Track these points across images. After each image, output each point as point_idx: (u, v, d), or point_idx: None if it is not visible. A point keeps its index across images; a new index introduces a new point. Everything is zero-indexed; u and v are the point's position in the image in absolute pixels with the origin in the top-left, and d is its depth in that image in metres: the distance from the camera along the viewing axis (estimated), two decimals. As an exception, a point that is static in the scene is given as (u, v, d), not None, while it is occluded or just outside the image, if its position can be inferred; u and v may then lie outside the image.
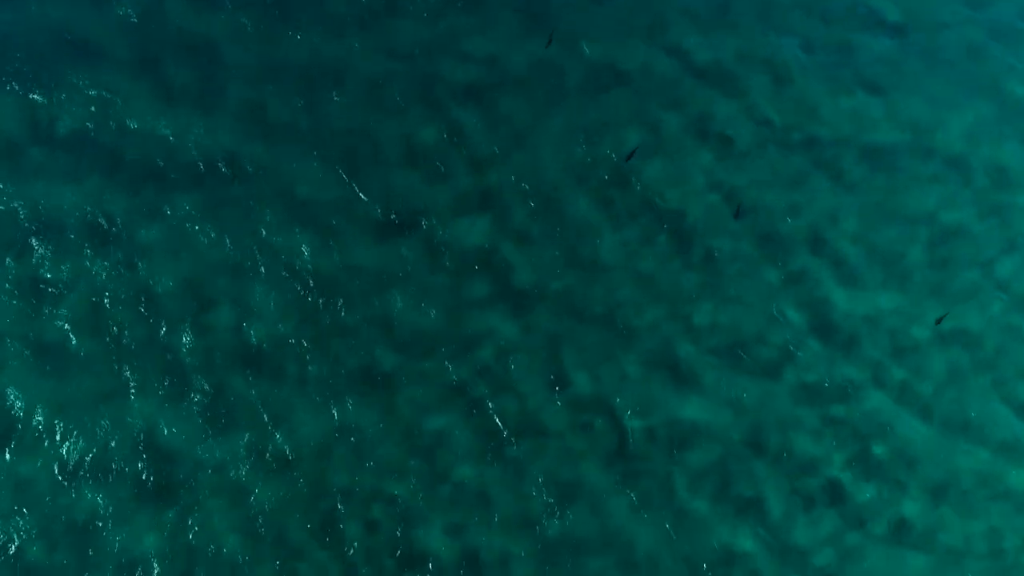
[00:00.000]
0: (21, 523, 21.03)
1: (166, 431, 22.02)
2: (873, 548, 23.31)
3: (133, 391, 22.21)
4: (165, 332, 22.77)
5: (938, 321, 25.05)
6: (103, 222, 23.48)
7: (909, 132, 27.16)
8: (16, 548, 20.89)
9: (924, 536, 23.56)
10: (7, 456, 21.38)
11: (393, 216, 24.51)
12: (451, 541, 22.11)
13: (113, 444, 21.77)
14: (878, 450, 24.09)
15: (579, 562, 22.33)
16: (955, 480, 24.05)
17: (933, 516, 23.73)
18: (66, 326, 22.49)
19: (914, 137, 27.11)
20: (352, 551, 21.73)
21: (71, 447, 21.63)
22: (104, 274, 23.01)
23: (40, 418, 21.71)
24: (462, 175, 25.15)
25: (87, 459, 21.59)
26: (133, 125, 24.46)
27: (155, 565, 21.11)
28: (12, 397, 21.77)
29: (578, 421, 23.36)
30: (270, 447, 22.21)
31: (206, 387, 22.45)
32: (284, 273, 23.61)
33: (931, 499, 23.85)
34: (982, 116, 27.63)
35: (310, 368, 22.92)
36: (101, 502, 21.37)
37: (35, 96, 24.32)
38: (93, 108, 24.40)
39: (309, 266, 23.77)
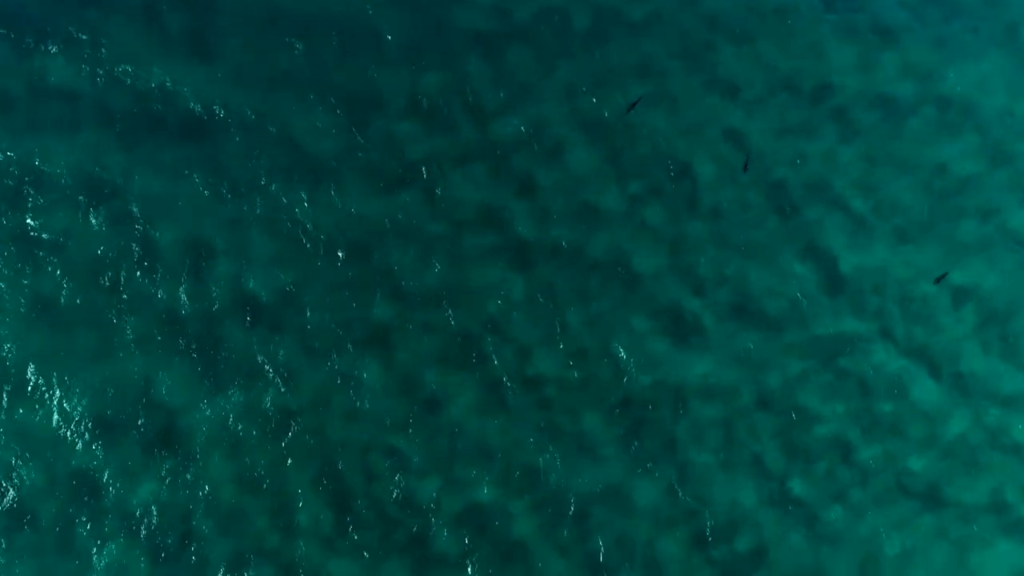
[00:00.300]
0: (22, 473, 21.11)
1: (166, 381, 21.98)
2: (878, 503, 23.28)
3: (132, 342, 22.13)
4: (164, 283, 22.62)
5: (937, 280, 24.71)
6: (100, 172, 23.24)
7: (923, 81, 26.59)
8: (16, 498, 20.99)
9: (930, 490, 23.51)
10: (6, 407, 21.39)
11: (396, 166, 24.21)
12: (452, 492, 22.13)
13: (112, 395, 21.74)
14: (884, 404, 23.94)
15: (582, 513, 22.35)
16: (962, 435, 23.92)
17: (939, 470, 23.64)
18: (60, 274, 22.36)
19: (928, 86, 26.54)
20: (351, 501, 21.77)
21: (70, 399, 21.61)
22: (102, 224, 22.83)
23: (39, 370, 21.68)
24: (466, 125, 24.79)
25: (86, 410, 21.58)
26: (130, 74, 24.10)
27: (154, 514, 21.21)
28: (10, 349, 21.72)
29: (581, 373, 23.23)
30: (270, 398, 22.16)
31: (205, 338, 22.35)
32: (285, 222, 23.39)
33: (937, 454, 23.75)
34: (998, 64, 27.01)
35: (310, 319, 22.78)
36: (100, 453, 21.41)
37: (30, 45, 23.97)
38: (90, 57, 24.03)
39: (310, 216, 23.52)
